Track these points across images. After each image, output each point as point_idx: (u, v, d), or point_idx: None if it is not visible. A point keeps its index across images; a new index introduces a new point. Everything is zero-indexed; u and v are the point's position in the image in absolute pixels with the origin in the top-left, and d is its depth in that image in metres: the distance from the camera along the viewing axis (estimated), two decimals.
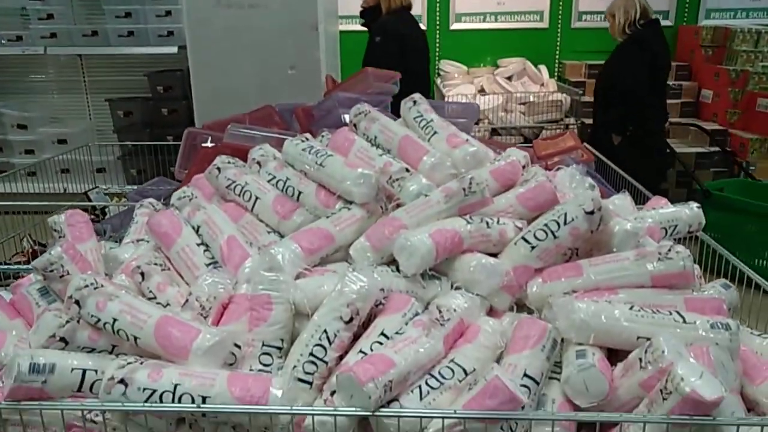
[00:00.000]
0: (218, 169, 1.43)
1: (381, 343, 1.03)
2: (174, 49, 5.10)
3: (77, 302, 1.05)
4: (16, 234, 2.38)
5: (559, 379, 1.04)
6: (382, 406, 0.91)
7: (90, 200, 3.02)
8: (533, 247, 1.19)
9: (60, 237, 1.24)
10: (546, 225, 1.21)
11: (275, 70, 2.90)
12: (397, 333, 1.04)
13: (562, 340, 1.07)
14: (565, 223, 1.19)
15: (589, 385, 0.97)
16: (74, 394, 0.97)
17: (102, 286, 1.06)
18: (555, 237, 1.19)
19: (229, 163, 1.45)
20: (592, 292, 1.15)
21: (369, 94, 2.28)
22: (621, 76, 3.47)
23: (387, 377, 0.92)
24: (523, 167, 1.45)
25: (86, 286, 1.05)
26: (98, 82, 5.20)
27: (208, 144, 2.09)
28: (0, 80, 5.58)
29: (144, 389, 0.93)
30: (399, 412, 0.90)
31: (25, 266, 2.14)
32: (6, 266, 2.09)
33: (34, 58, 5.33)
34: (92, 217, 2.68)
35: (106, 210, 2.79)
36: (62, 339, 1.03)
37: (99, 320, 1.04)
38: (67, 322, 1.04)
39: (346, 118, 1.94)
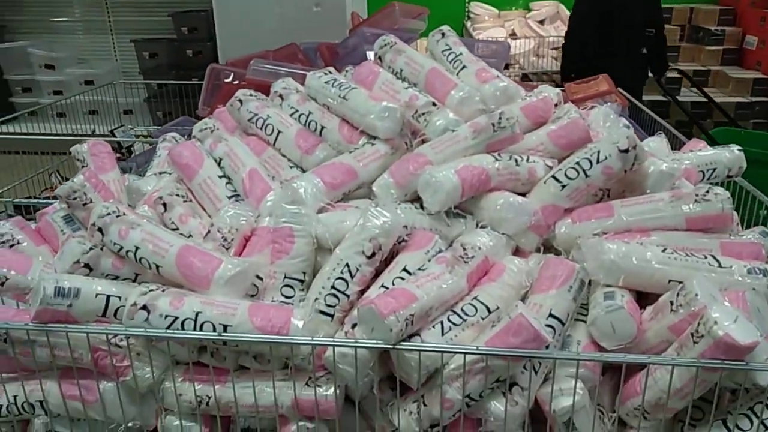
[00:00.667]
0: (240, 101, 1.40)
1: (403, 279, 1.01)
2: None
3: (100, 230, 1.05)
4: (45, 170, 2.41)
5: (585, 321, 1.01)
6: (403, 340, 0.90)
7: (114, 135, 3.03)
8: (563, 186, 1.15)
9: (83, 166, 1.24)
10: (578, 163, 1.16)
11: (300, 7, 2.81)
12: (419, 269, 1.02)
13: (590, 282, 1.04)
14: (597, 162, 1.14)
15: (617, 327, 0.94)
16: (99, 319, 0.98)
17: (124, 214, 1.06)
18: (587, 176, 1.14)
19: (251, 95, 1.41)
20: (623, 234, 1.11)
21: (396, 30, 2.20)
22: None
23: (408, 311, 0.90)
24: (555, 105, 1.39)
25: (108, 213, 1.05)
26: (123, 23, 5.15)
27: (231, 80, 2.06)
28: (26, 20, 5.56)
29: (166, 316, 0.93)
30: (420, 346, 0.89)
31: (53, 200, 2.17)
32: (35, 200, 2.12)
33: None
34: (118, 155, 2.69)
35: (132, 149, 2.79)
36: (86, 265, 1.03)
37: (121, 248, 1.03)
38: (91, 249, 1.04)
39: (371, 55, 1.88)
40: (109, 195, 1.16)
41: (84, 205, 1.12)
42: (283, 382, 0.95)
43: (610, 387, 0.99)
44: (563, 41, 3.60)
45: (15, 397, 1.00)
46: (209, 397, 0.97)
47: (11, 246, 1.11)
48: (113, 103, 5.06)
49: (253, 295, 1.04)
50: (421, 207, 1.15)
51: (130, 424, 0.99)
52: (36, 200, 2.19)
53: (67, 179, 2.46)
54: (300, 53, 2.43)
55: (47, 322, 0.94)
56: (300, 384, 0.95)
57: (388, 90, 1.36)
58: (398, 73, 1.42)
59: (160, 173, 1.35)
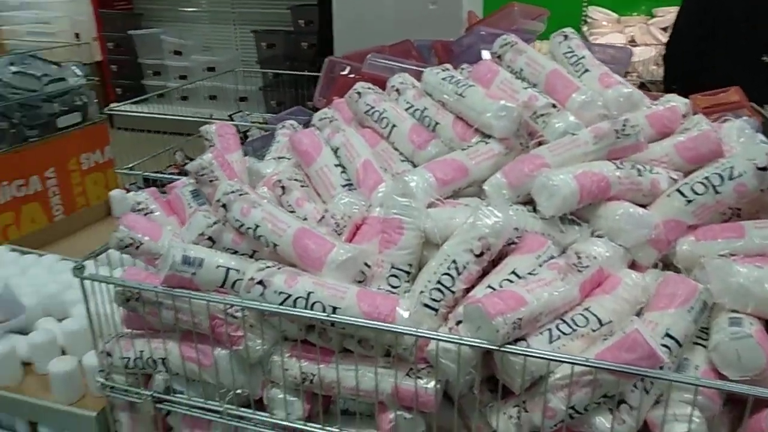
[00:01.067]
0: (358, 93, 1.43)
1: (511, 282, 1.00)
2: None
3: (224, 206, 1.11)
4: (171, 149, 2.60)
5: (704, 346, 0.95)
6: (509, 343, 0.89)
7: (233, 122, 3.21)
8: (689, 201, 1.09)
9: (210, 146, 1.32)
10: (707, 178, 1.09)
11: (416, 5, 2.83)
12: (530, 273, 1.00)
13: (713, 305, 0.98)
14: (730, 178, 1.07)
15: (743, 356, 0.88)
16: (218, 289, 1.04)
17: (247, 193, 1.12)
18: (716, 192, 1.07)
19: (369, 89, 1.44)
20: (754, 257, 1.03)
21: (513, 31, 2.15)
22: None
23: (517, 314, 0.89)
24: (683, 116, 1.31)
25: (233, 191, 1.12)
26: (246, 14, 5.42)
27: (347, 73, 2.11)
28: (161, 9, 6.00)
29: (280, 293, 0.98)
30: (527, 351, 0.88)
31: (177, 176, 2.34)
32: (162, 175, 2.30)
33: None
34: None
35: (248, 134, 2.94)
36: (210, 238, 1.10)
37: (242, 225, 1.10)
38: (215, 223, 1.11)
39: (486, 55, 1.85)
40: (233, 174, 1.23)
41: (210, 181, 1.20)
42: (384, 369, 0.97)
43: (729, 420, 0.92)
44: (666, 46, 3.22)
45: (141, 352, 1.09)
46: (313, 375, 1.00)
47: (145, 214, 1.21)
48: (231, 90, 5.36)
49: (360, 281, 1.06)
50: (534, 210, 1.13)
51: (239, 391, 1.05)
52: (162, 175, 2.37)
53: (189, 157, 2.65)
54: (414, 50, 2.45)
55: (174, 287, 1.02)
56: (401, 373, 0.96)
57: (506, 89, 1.34)
58: (518, 73, 1.40)
59: (279, 158, 1.42)
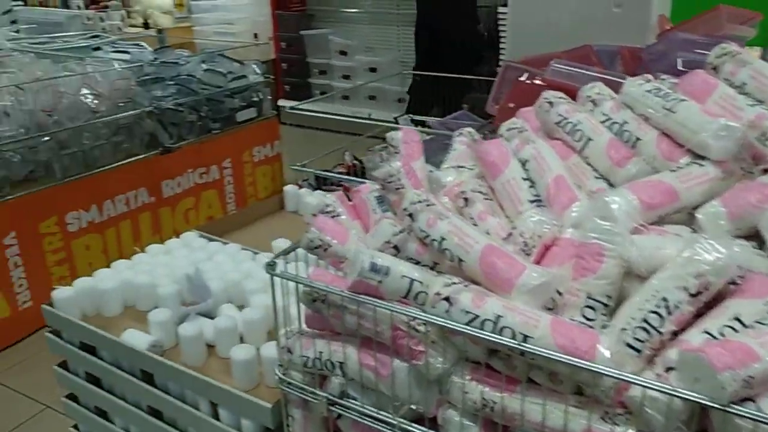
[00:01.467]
0: (550, 103, 1.35)
1: (735, 330, 0.86)
2: None
3: (410, 215, 1.09)
4: (340, 149, 2.70)
5: None
6: (734, 403, 0.77)
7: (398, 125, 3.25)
8: None
9: (395, 152, 1.31)
10: None
11: (598, 8, 2.66)
12: (758, 322, 0.86)
13: None
14: None
15: None
16: (401, 299, 1.03)
17: (433, 204, 1.09)
18: None
19: (561, 98, 1.35)
20: None
21: (716, 37, 1.93)
22: None
23: (748, 371, 0.76)
24: None
25: (419, 201, 1.09)
26: (410, 15, 5.47)
27: (525, 78, 2.02)
28: (329, 10, 6.28)
29: (466, 312, 0.94)
30: (759, 416, 0.75)
31: (347, 177, 2.42)
32: (332, 174, 2.39)
33: None
34: None
35: None
36: (395, 246, 1.09)
37: (428, 236, 1.07)
38: (401, 231, 1.10)
39: (681, 63, 1.67)
40: (417, 182, 1.21)
41: (397, 189, 1.19)
42: (575, 408, 0.89)
43: None
44: None
45: (320, 353, 1.11)
46: (495, 403, 0.95)
47: (333, 216, 1.23)
48: (390, 91, 5.48)
49: (550, 309, 0.99)
50: (761, 247, 0.98)
51: (413, 406, 1.03)
52: (332, 174, 2.46)
53: (358, 159, 2.72)
54: (593, 56, 2.29)
55: (359, 293, 1.02)
56: (595, 416, 0.88)
57: (726, 105, 1.18)
58: (740, 88, 1.23)
59: (459, 167, 1.38)
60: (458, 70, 3.63)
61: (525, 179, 1.21)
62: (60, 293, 1.60)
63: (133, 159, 3.34)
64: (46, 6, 6.46)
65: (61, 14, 5.78)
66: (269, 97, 4.13)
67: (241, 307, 1.64)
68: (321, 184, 2.52)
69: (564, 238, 1.07)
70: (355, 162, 2.57)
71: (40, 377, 2.68)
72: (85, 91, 3.08)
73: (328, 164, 2.71)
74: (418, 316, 0.98)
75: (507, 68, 2.18)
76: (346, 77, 5.75)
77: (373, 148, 2.85)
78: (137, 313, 1.64)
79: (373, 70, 5.61)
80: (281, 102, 5.43)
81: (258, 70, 3.95)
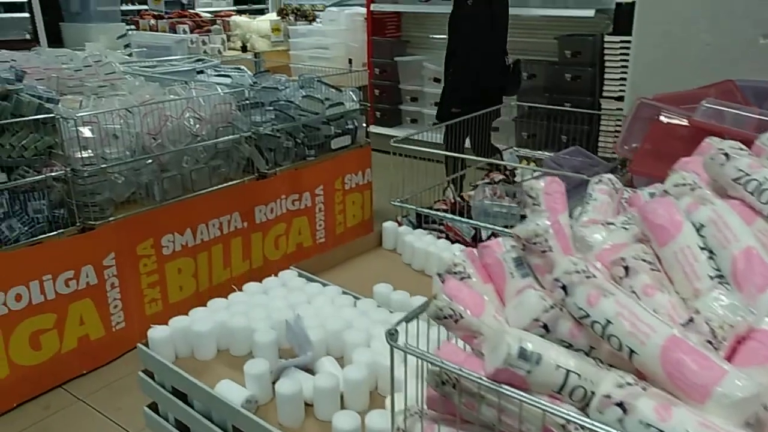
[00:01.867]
0: (725, 155, 1.12)
1: None
2: (591, 13, 4.86)
3: (564, 288, 0.91)
4: (440, 184, 2.53)
5: None
6: None
7: (502, 158, 3.05)
8: None
9: (534, 204, 1.13)
10: None
11: (741, 38, 2.37)
12: None
13: None
14: None
15: None
16: (552, 394, 0.84)
17: (595, 276, 0.90)
18: None
19: (740, 150, 1.13)
20: None
21: None
22: None
23: None
24: None
25: (577, 272, 0.91)
26: (510, 42, 5.29)
27: (665, 119, 1.79)
28: (424, 37, 6.21)
29: (648, 425, 0.74)
30: None
31: (450, 216, 2.26)
32: (434, 212, 2.23)
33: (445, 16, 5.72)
34: (503, 176, 2.67)
35: (516, 172, 2.76)
36: (545, 326, 0.91)
37: (587, 316, 0.88)
38: (552, 307, 0.91)
39: None
40: (566, 245, 1.03)
41: (542, 252, 1.01)
42: None
43: None
44: None
45: None
46: None
47: (462, 278, 1.06)
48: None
49: (750, 424, 0.77)
50: None
51: None
52: (435, 212, 2.30)
53: (460, 195, 2.55)
54: (738, 92, 2.03)
55: (502, 383, 0.84)
56: None
57: None
58: None
59: (607, 224, 1.17)
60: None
61: (702, 248, 0.99)
62: (155, 332, 1.52)
63: (229, 184, 3.34)
64: (156, 30, 6.79)
65: (169, 38, 6.05)
66: (364, 125, 4.06)
67: (340, 360, 1.50)
68: (422, 221, 2.37)
69: (762, 330, 0.85)
70: (457, 199, 2.40)
71: (126, 402, 2.67)
72: (187, 114, 3.10)
73: (426, 200, 2.55)
74: (584, 422, 0.78)
75: (641, 105, 1.95)
76: (437, 104, 5.61)
77: (476, 183, 2.67)
78: (232, 359, 1.54)
79: None
80: (372, 128, 5.37)
81: (355, 98, 3.89)
